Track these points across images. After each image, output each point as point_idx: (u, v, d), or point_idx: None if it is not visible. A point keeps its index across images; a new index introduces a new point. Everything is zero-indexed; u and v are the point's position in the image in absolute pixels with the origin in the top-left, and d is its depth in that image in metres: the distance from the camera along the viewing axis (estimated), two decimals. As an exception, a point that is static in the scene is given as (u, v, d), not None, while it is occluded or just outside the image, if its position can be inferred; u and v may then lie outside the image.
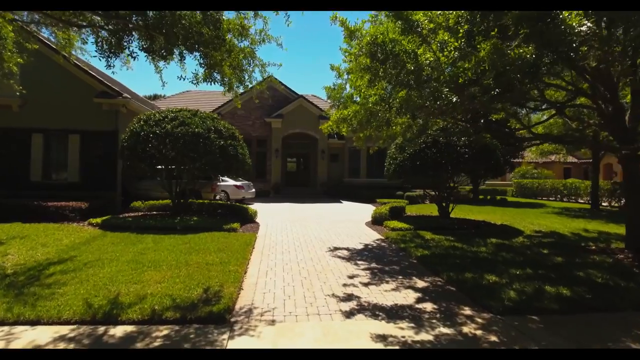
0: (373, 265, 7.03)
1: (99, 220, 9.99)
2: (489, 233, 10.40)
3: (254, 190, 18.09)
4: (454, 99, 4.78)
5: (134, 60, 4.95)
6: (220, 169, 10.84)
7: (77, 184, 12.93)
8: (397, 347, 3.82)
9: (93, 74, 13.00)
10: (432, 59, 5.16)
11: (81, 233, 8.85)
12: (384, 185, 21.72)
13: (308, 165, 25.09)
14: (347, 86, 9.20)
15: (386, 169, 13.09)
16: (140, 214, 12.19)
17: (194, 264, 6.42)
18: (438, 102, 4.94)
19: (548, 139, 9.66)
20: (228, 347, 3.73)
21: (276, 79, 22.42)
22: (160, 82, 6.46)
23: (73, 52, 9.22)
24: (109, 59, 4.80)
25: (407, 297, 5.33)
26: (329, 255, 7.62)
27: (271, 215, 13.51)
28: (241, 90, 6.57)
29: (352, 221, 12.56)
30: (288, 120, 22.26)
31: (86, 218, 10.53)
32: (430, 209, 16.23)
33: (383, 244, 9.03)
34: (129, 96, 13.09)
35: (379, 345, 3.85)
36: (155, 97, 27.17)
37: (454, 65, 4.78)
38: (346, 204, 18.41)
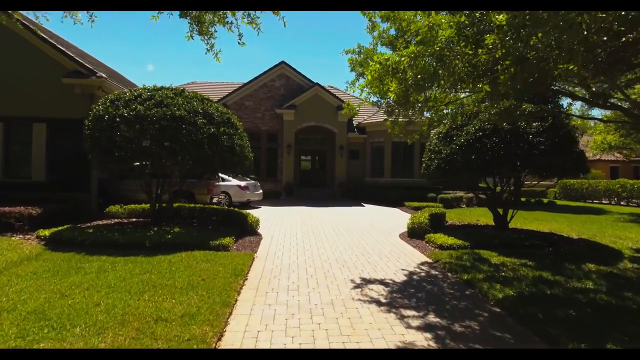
0: (432, 318, 4.28)
1: (47, 232, 7.54)
2: (574, 253, 7.52)
3: (261, 191, 15.51)
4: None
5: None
6: (210, 165, 8.24)
7: (43, 184, 10.57)
8: None
9: (62, 48, 10.62)
10: None
11: (10, 253, 6.37)
12: (412, 186, 18.86)
13: (324, 163, 22.39)
14: (380, 47, 6.50)
15: (424, 166, 10.29)
16: (113, 221, 9.73)
17: (135, 319, 3.81)
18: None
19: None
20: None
21: (288, 64, 19.90)
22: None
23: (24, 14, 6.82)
24: None
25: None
26: (357, 297, 4.92)
27: (279, 224, 10.87)
28: (219, 30, 3.88)
29: (381, 232, 9.81)
30: (302, 112, 19.60)
31: (38, 227, 8.10)
32: (474, 215, 13.33)
33: (434, 271, 6.26)
34: (105, 75, 10.65)
35: None
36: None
37: None
38: (369, 208, 15.65)
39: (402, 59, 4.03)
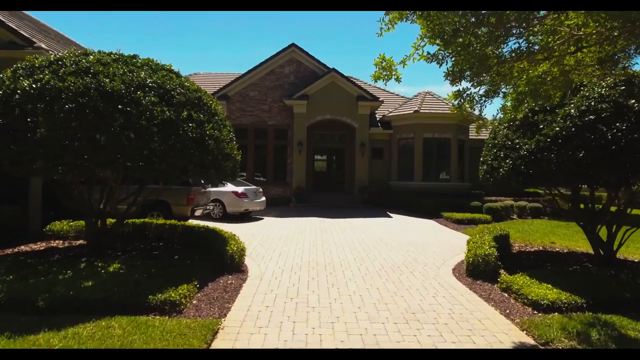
0: None
1: None
2: None
3: (263, 199, 12.61)
4: None
5: None
6: (160, 169, 5.30)
7: (-32, 192, 7.96)
8: None
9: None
10: None
11: None
12: (448, 192, 15.64)
13: (342, 164, 19.36)
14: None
15: (486, 168, 7.20)
16: (45, 246, 7.03)
17: None
18: None
19: None
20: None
21: (299, 47, 17.01)
22: None
23: None
24: None
25: None
26: None
27: (279, 248, 7.93)
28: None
29: (424, 264, 6.74)
30: (316, 103, 16.64)
31: None
32: (540, 233, 10.05)
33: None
34: (45, 47, 7.95)
35: None
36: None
37: None
38: (399, 221, 12.54)
39: None
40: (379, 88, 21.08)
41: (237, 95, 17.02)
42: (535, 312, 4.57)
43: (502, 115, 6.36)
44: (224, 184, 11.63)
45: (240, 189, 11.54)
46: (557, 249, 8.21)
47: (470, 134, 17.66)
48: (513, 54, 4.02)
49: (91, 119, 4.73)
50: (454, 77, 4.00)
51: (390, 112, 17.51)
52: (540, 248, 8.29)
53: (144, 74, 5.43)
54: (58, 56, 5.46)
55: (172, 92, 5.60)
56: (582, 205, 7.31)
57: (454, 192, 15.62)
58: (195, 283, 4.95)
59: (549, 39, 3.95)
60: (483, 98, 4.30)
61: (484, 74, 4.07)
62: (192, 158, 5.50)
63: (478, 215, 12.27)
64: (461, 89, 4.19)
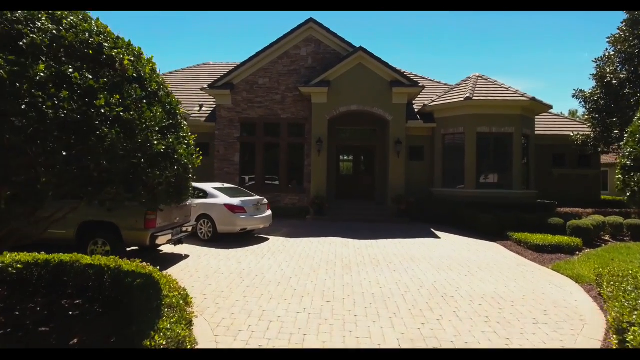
0: None
1: None
2: None
3: (269, 213, 9.56)
4: None
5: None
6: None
7: None
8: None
9: None
10: None
11: None
12: (509, 202, 12.15)
13: (372, 166, 16.12)
14: None
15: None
16: None
17: None
18: None
19: None
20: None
21: (318, 23, 14.02)
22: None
23: None
24: None
25: None
26: None
27: (269, 313, 4.88)
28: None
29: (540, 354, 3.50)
30: (339, 91, 13.51)
31: None
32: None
33: None
34: None
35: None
36: (170, 74, 20.69)
37: None
38: (451, 245, 9.20)
39: None
40: (415, 74, 17.70)
41: (243, 84, 14.15)
42: None
43: None
44: (214, 194, 8.77)
45: (235, 201, 8.59)
46: None
47: (536, 129, 14.05)
48: None
49: None
50: None
51: (433, 101, 14.12)
52: None
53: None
54: None
55: (23, 28, 2.67)
56: None
57: (517, 203, 12.09)
58: None
59: None
60: None
61: None
62: (55, 161, 2.55)
63: (565, 239, 8.73)
64: None
